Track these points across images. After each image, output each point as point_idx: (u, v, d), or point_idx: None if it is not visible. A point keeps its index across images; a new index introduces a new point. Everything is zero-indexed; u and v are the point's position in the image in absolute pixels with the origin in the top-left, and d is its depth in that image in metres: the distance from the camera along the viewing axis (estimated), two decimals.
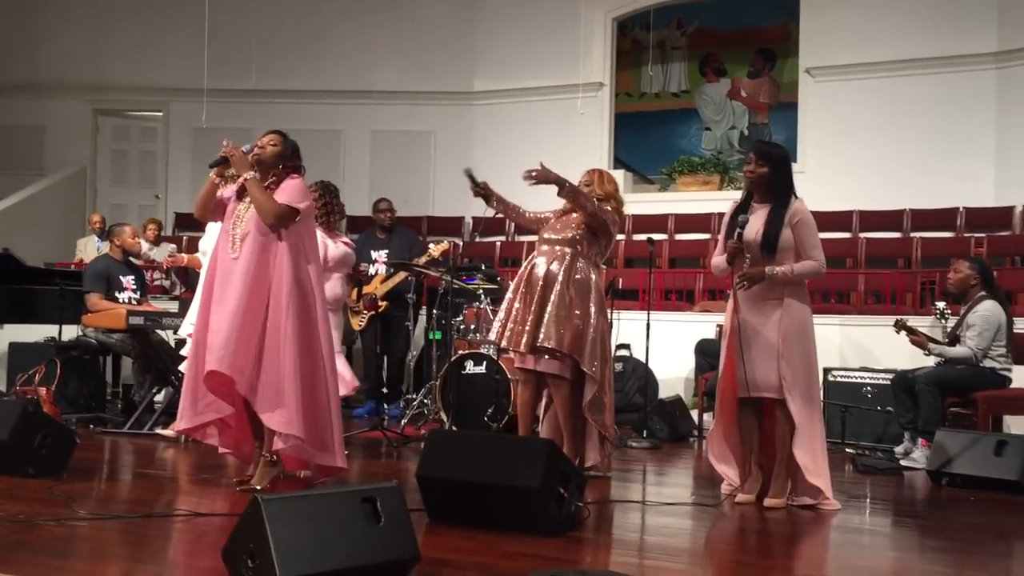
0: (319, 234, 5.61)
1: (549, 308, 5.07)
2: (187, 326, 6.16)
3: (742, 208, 4.69)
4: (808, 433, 4.57)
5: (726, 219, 4.77)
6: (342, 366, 5.79)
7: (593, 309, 5.16)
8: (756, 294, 4.61)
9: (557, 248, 5.22)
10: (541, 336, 5.04)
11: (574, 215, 5.29)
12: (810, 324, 4.66)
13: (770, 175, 4.61)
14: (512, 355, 5.55)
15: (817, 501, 4.58)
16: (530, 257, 5.36)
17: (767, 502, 4.60)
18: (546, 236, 5.32)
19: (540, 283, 5.14)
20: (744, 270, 4.60)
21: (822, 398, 7.21)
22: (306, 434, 4.37)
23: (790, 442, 4.58)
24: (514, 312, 5.21)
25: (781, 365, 4.54)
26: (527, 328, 5.10)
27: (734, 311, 4.69)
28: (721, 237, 4.76)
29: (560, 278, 5.11)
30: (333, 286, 5.85)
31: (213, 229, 5.84)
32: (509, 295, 5.33)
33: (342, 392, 5.75)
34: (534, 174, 5.06)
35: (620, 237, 10.88)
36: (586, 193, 5.19)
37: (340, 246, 5.96)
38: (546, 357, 5.12)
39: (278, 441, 4.41)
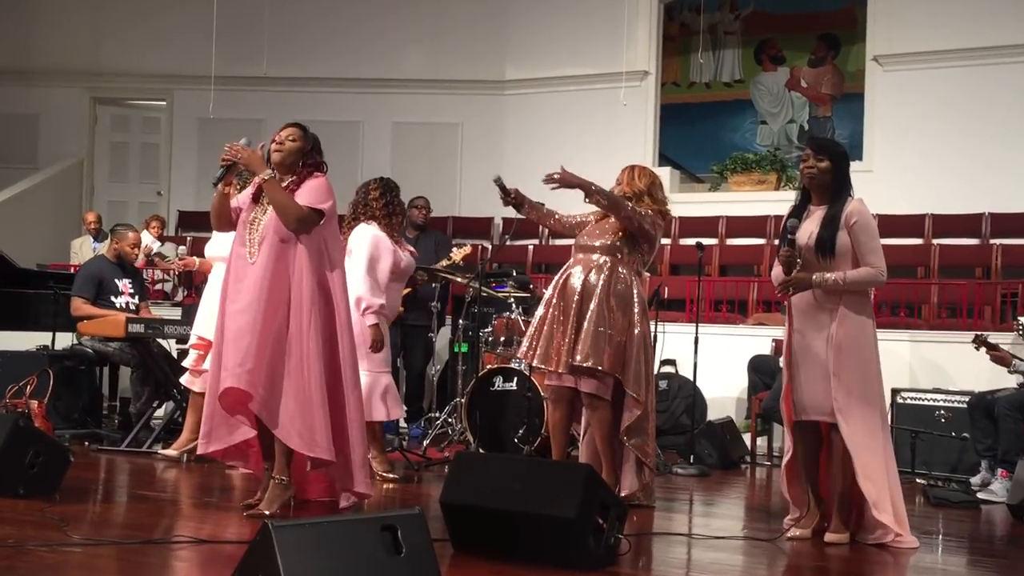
0: (389, 243, 5.66)
1: (587, 323, 5.07)
2: (193, 336, 6.20)
3: (797, 212, 4.66)
4: (870, 462, 4.47)
5: (784, 225, 4.75)
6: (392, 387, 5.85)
7: (637, 324, 5.16)
8: (810, 305, 4.57)
9: (594, 256, 5.22)
10: (579, 355, 5.04)
11: (612, 219, 5.29)
12: (871, 337, 4.58)
13: (832, 170, 4.58)
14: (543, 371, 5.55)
15: (888, 540, 4.48)
16: (565, 266, 5.37)
17: (827, 537, 4.55)
18: (583, 242, 5.33)
19: (577, 295, 5.15)
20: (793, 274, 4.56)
21: (890, 423, 7.17)
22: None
23: (849, 471, 4.51)
24: (546, 328, 5.21)
25: (833, 384, 4.47)
26: (564, 346, 5.10)
27: (789, 324, 4.67)
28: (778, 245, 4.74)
29: (599, 290, 5.12)
30: (392, 298, 5.85)
31: (221, 235, 5.90)
32: (541, 308, 5.33)
33: (392, 416, 5.83)
34: (556, 177, 5.11)
35: (666, 241, 10.92)
36: (617, 196, 5.20)
37: (408, 256, 5.95)
38: (584, 376, 5.12)
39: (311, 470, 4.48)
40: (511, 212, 5.60)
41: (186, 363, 6.25)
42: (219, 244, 6.04)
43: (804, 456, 4.66)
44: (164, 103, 13.13)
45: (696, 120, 11.91)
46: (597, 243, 5.26)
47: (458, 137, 12.39)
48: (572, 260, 5.34)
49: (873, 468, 4.48)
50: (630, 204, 5.18)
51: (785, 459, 4.80)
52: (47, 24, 13.02)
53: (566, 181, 5.11)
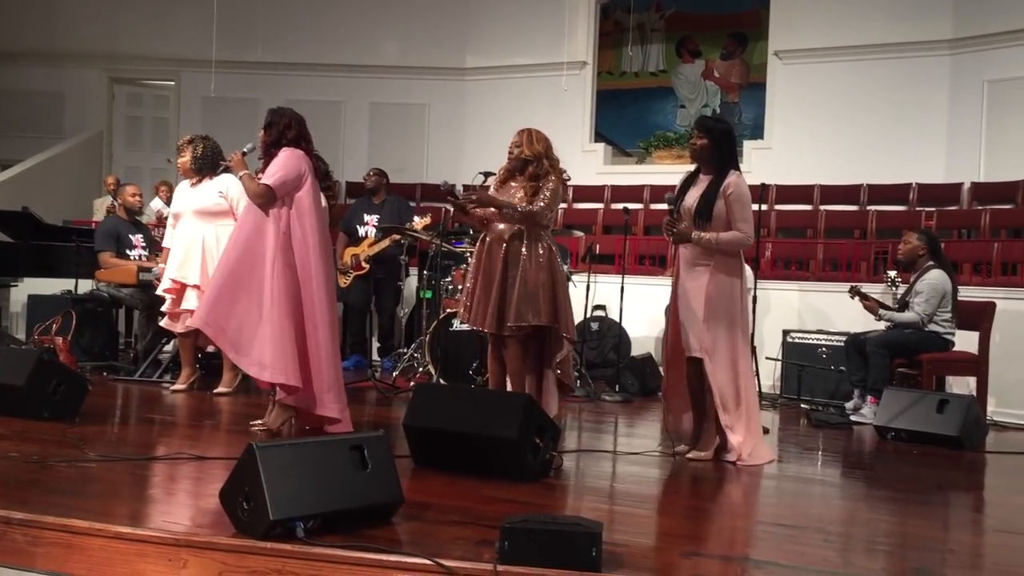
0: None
1: (517, 286, 4.71)
2: (167, 281, 6.02)
3: (690, 180, 4.62)
4: (728, 395, 4.45)
5: (666, 197, 4.74)
6: None
7: (557, 274, 4.83)
8: (690, 259, 4.54)
9: (510, 225, 4.82)
10: (513, 316, 4.69)
11: (512, 184, 4.86)
12: (738, 291, 4.47)
13: (710, 147, 4.50)
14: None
15: (735, 458, 4.46)
16: (484, 234, 4.96)
17: (691, 455, 4.54)
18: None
19: (501, 258, 4.78)
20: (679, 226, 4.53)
21: (780, 358, 7.25)
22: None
23: (712, 401, 4.48)
24: (477, 293, 4.85)
25: (703, 329, 4.43)
26: (490, 308, 4.76)
27: (676, 276, 4.66)
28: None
29: (523, 252, 4.76)
30: None
31: (184, 190, 6.06)
32: (470, 274, 4.96)
33: None
34: (473, 198, 4.83)
35: (599, 205, 10.90)
36: (524, 211, 4.74)
37: None
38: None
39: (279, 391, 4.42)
40: (470, 180, 5.48)
41: (163, 307, 6.07)
42: (181, 200, 6.06)
43: (690, 386, 4.60)
44: (173, 83, 12.79)
45: (626, 104, 11.81)
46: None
47: (426, 116, 12.20)
48: (490, 228, 4.91)
49: (730, 401, 4.46)
50: (530, 208, 4.74)
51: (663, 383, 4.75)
52: (69, 10, 12.59)
53: (483, 202, 4.80)
